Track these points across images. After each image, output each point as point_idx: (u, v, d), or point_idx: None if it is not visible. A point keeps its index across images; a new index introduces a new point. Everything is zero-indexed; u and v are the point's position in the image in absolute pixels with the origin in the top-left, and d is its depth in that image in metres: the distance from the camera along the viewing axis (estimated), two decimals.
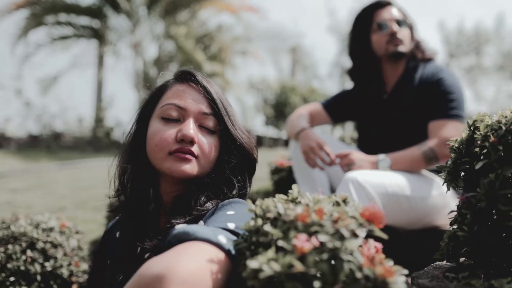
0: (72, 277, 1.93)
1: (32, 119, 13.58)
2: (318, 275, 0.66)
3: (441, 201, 2.09)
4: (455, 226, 1.03)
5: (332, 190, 2.47)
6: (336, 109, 2.59)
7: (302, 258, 0.66)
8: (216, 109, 1.22)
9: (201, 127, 1.21)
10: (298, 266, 0.64)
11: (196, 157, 1.17)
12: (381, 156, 2.09)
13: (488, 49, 19.61)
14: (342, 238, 0.68)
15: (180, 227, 0.83)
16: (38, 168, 7.68)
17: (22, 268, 1.78)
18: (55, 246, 1.94)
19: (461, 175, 1.01)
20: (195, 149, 1.17)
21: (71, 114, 22.32)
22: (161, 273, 0.71)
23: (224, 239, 0.82)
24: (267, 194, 3.12)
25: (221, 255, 0.80)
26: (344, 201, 0.82)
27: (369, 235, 0.74)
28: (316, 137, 2.17)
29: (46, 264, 1.85)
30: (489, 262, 0.92)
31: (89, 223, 3.32)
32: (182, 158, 1.15)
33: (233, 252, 0.82)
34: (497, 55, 19.51)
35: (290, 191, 0.84)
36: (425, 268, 1.06)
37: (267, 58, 21.79)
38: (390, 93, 2.37)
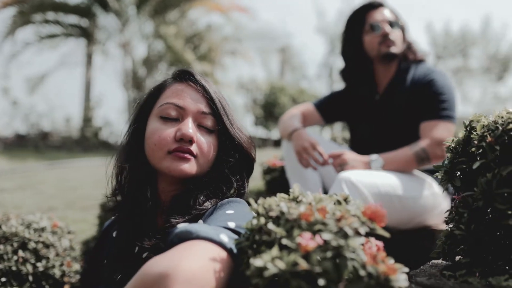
0: (64, 278, 1.91)
1: (19, 118, 13.48)
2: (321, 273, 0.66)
3: (432, 201, 2.11)
4: (451, 225, 1.04)
5: (325, 190, 2.48)
6: (328, 109, 2.60)
7: (306, 256, 0.67)
8: (214, 108, 1.22)
9: (200, 126, 1.21)
10: (303, 264, 0.65)
11: (195, 156, 1.17)
12: (374, 156, 2.10)
13: (474, 51, 19.85)
14: (345, 236, 0.69)
15: (182, 226, 0.83)
16: (25, 167, 7.60)
17: (14, 268, 1.76)
18: (47, 246, 1.92)
19: (457, 174, 1.03)
20: (194, 148, 1.17)
21: (58, 113, 22.14)
22: (165, 272, 0.71)
23: (226, 238, 0.83)
24: (259, 194, 3.12)
25: (223, 254, 0.80)
26: (345, 200, 0.82)
27: (369, 233, 0.75)
28: (309, 137, 2.18)
29: (38, 264, 1.83)
30: (485, 260, 0.94)
31: (80, 223, 3.29)
32: (181, 157, 1.15)
33: (234, 251, 0.82)
34: (483, 57, 19.76)
35: (291, 190, 0.84)
36: (422, 267, 1.07)
37: (256, 59, 21.81)
38: (382, 94, 2.38)
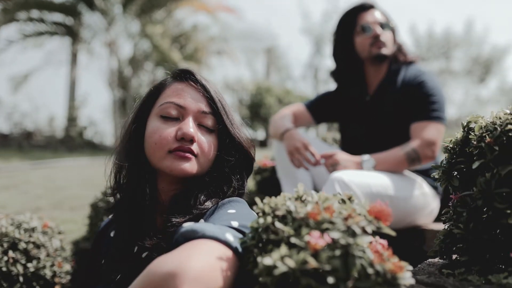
0: (55, 278, 1.89)
1: (2, 117, 13.29)
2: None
3: (422, 201, 2.14)
4: (448, 224, 1.06)
5: (316, 190, 2.49)
6: (319, 110, 2.61)
7: (315, 254, 0.68)
8: (215, 108, 1.22)
9: (200, 125, 1.21)
10: (312, 262, 0.65)
11: (195, 155, 1.17)
12: (366, 157, 2.12)
13: (457, 54, 20.16)
14: (353, 235, 0.69)
15: (187, 225, 0.84)
16: (10, 167, 7.49)
17: (4, 269, 1.74)
18: (37, 246, 1.89)
19: (454, 174, 1.05)
20: (194, 147, 1.16)
21: (43, 112, 21.87)
22: (173, 271, 0.71)
23: (231, 237, 0.83)
24: (249, 194, 3.12)
25: (229, 253, 0.80)
26: (349, 199, 0.83)
27: (374, 232, 0.76)
28: (301, 138, 2.19)
29: (29, 265, 1.80)
30: (483, 259, 0.95)
31: (68, 223, 3.25)
32: (182, 156, 1.14)
33: (239, 250, 0.83)
34: (465, 59, 20.07)
35: (295, 189, 0.85)
36: (420, 265, 1.09)
37: (242, 59, 21.83)
38: (372, 95, 2.41)
